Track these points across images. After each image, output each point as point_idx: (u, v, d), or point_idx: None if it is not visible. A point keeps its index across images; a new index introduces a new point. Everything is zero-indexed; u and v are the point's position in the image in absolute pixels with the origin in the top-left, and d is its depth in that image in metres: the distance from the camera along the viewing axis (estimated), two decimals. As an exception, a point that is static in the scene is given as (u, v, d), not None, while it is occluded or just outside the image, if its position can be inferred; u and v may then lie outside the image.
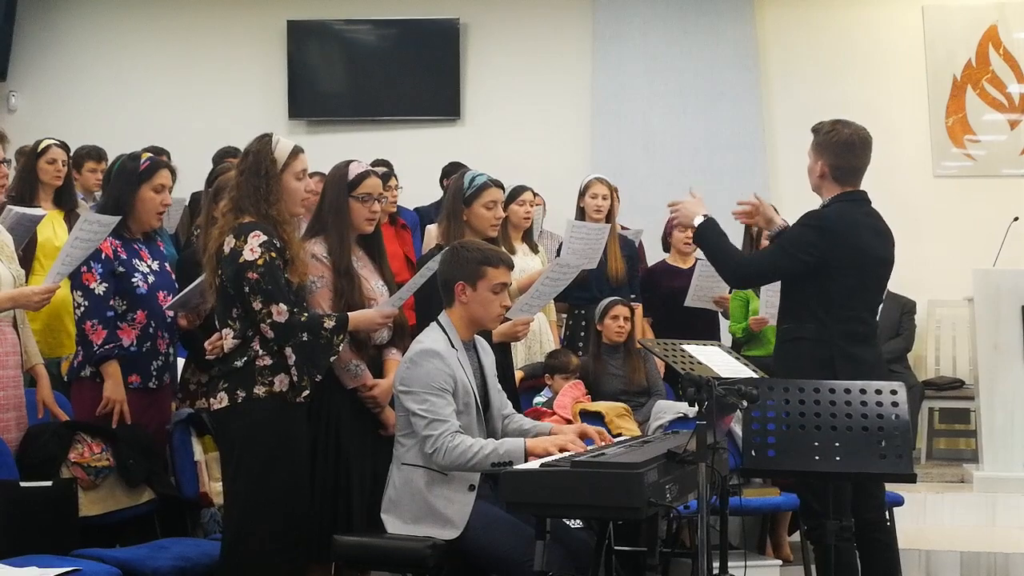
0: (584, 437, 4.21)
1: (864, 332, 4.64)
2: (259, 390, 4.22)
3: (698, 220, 4.78)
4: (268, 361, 4.24)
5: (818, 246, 4.54)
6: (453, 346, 4.21)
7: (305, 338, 4.22)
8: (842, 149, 4.65)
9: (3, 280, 4.50)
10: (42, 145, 6.00)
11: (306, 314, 4.27)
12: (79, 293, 4.68)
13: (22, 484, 4.38)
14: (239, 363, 4.24)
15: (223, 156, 6.72)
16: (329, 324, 4.25)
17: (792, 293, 4.72)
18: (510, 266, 4.38)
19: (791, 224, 4.75)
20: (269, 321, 4.19)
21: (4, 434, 4.48)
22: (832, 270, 4.55)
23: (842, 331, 4.56)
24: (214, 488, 4.84)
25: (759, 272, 4.88)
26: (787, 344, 4.68)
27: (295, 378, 4.23)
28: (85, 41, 10.34)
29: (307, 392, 4.26)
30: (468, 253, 4.27)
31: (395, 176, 7.39)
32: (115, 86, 10.19)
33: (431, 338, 4.21)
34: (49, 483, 4.45)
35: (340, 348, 4.29)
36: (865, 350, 4.61)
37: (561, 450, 3.97)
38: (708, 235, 4.77)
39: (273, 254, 4.22)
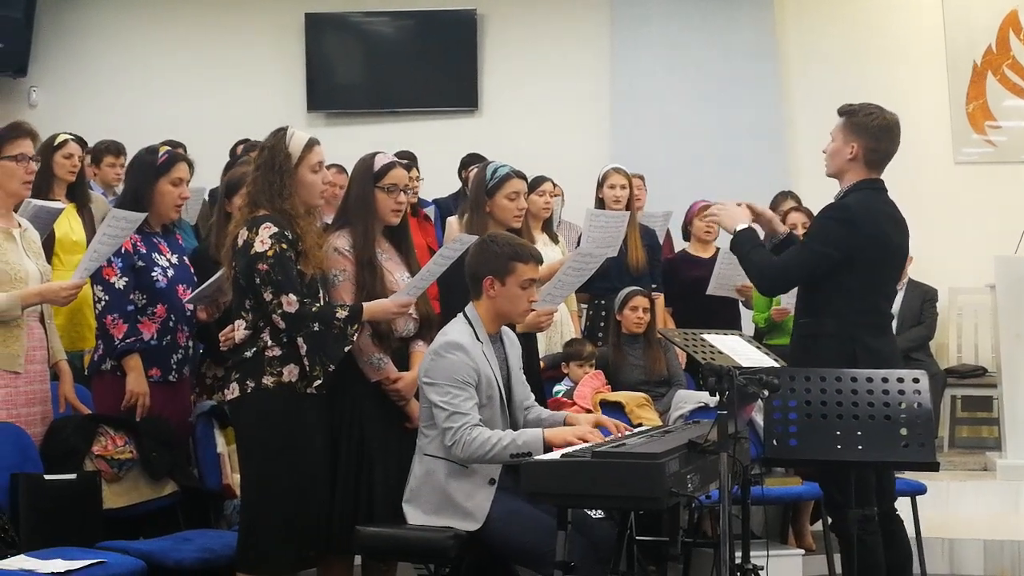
0: (600, 427, 4.21)
1: (883, 324, 4.61)
2: (268, 380, 4.24)
3: (740, 227, 4.75)
4: (277, 352, 4.26)
5: (845, 238, 4.48)
6: (478, 339, 4.21)
7: (316, 328, 4.23)
8: (881, 133, 4.58)
9: (31, 275, 4.52)
10: (58, 139, 6.01)
11: (318, 304, 4.28)
12: (99, 288, 4.71)
13: (46, 477, 4.42)
14: (249, 354, 4.28)
15: (247, 150, 6.72)
16: (342, 314, 4.27)
17: (810, 288, 4.64)
18: (539, 261, 4.37)
19: (815, 217, 4.67)
20: (280, 311, 4.21)
21: (30, 428, 4.51)
22: (855, 262, 4.49)
23: (862, 324, 4.51)
24: (236, 480, 4.85)
25: (789, 274, 4.70)
26: (807, 340, 4.61)
27: (307, 368, 4.24)
28: (104, 36, 10.37)
29: (320, 382, 4.26)
30: (498, 248, 4.26)
31: (417, 167, 7.40)
32: (134, 81, 10.22)
33: (456, 330, 4.21)
34: (73, 476, 4.48)
35: (355, 338, 4.29)
36: (885, 342, 4.58)
37: (579, 440, 3.98)
38: (744, 243, 4.70)
39: (284, 245, 4.24)
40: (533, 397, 4.50)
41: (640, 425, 5.25)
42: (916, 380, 4.09)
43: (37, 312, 4.61)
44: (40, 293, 4.48)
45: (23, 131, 4.59)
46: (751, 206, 4.85)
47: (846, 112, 4.64)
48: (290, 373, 4.26)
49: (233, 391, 4.29)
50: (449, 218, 5.69)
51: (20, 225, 4.66)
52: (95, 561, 4.00)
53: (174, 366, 4.85)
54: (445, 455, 4.12)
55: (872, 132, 4.56)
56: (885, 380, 4.09)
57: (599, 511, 4.12)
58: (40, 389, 4.60)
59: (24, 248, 4.59)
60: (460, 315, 4.28)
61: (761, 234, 4.85)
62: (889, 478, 4.64)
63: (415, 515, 4.17)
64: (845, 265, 4.49)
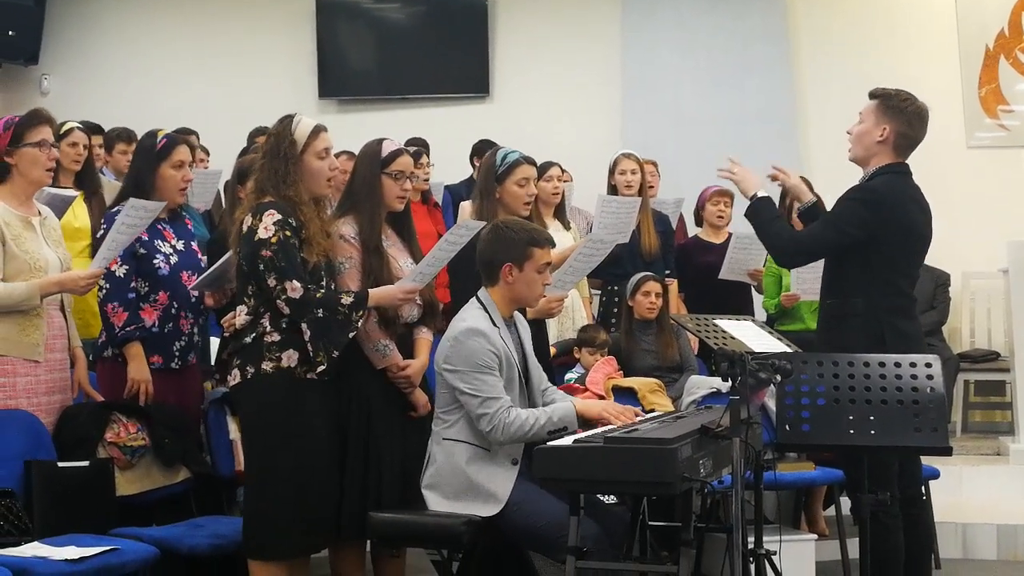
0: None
1: (908, 305, 4.62)
2: (267, 366, 4.25)
3: (761, 193, 4.73)
4: (276, 337, 4.27)
5: (869, 221, 4.48)
6: (494, 323, 4.21)
7: (321, 314, 4.23)
8: (915, 119, 4.60)
9: (51, 264, 4.53)
10: (64, 128, 6.01)
11: (322, 291, 4.28)
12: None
13: (60, 464, 4.43)
14: (248, 339, 4.29)
15: (257, 135, 6.72)
16: (347, 300, 4.27)
17: (836, 268, 4.65)
18: (553, 245, 4.39)
19: (841, 197, 4.66)
20: (284, 297, 4.22)
21: (50, 416, 4.53)
22: (880, 244, 4.50)
23: (890, 305, 4.52)
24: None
25: (809, 249, 4.73)
26: (834, 321, 4.62)
27: (310, 353, 4.24)
28: (116, 24, 10.38)
29: (323, 368, 4.26)
30: (514, 233, 4.26)
31: (428, 154, 7.39)
32: (146, 68, 10.22)
33: (472, 316, 4.21)
34: (86, 463, 4.50)
35: (359, 324, 4.29)
36: (911, 324, 4.59)
37: (610, 414, 4.05)
38: (762, 211, 4.72)
39: (288, 232, 4.24)
40: (547, 379, 4.51)
41: (652, 411, 5.26)
42: (929, 365, 4.08)
43: (57, 300, 4.62)
44: (59, 282, 4.49)
45: (43, 118, 4.60)
46: (779, 171, 4.86)
47: (880, 95, 4.64)
48: (289, 358, 4.26)
49: (235, 377, 4.31)
50: (462, 203, 5.69)
51: (40, 213, 4.66)
52: (108, 548, 4.00)
53: (176, 353, 4.84)
54: (467, 439, 4.13)
55: (906, 116, 4.59)
56: (898, 365, 4.08)
57: (611, 496, 4.13)
58: (60, 377, 4.62)
59: (44, 236, 4.59)
60: (473, 300, 4.28)
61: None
62: (914, 462, 4.64)
63: (436, 500, 4.16)
64: (870, 247, 4.50)
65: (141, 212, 4.49)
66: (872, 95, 4.66)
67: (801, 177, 5.13)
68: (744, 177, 4.79)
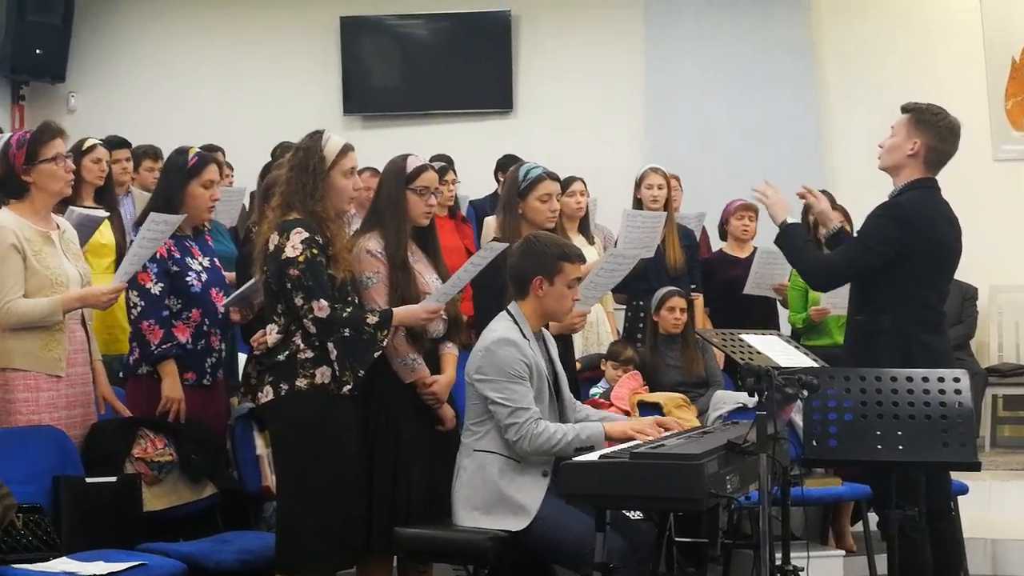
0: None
1: (937, 320, 4.61)
2: (301, 382, 4.25)
3: (789, 220, 4.74)
4: (309, 354, 4.27)
5: (898, 238, 4.49)
6: (525, 336, 4.21)
7: (347, 333, 4.24)
8: (948, 134, 4.60)
9: (71, 278, 4.55)
10: (87, 144, 6.03)
11: (348, 309, 4.29)
12: (135, 293, 4.70)
13: (87, 480, 4.45)
14: (281, 357, 4.29)
15: (283, 152, 6.73)
16: (372, 320, 4.27)
17: (864, 284, 4.64)
18: (583, 260, 4.41)
19: (869, 214, 4.66)
20: (311, 316, 4.23)
21: (71, 430, 4.54)
22: (909, 261, 4.50)
23: (918, 321, 4.52)
24: (275, 481, 4.87)
25: (842, 272, 4.72)
26: (862, 337, 4.61)
27: (337, 372, 4.26)
28: (141, 42, 10.45)
29: (349, 387, 4.27)
30: (545, 248, 4.28)
31: (453, 170, 7.40)
32: (171, 85, 10.29)
33: (503, 327, 4.22)
34: (114, 479, 4.51)
35: (384, 343, 4.29)
36: (939, 339, 4.58)
37: (637, 433, 4.04)
38: (792, 238, 4.73)
39: (315, 251, 4.25)
40: (572, 395, 4.51)
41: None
42: (957, 379, 4.06)
43: (78, 315, 4.64)
44: (81, 298, 4.52)
45: (54, 131, 4.60)
46: (809, 192, 4.86)
47: (912, 109, 4.65)
48: (323, 375, 4.27)
49: (267, 394, 4.31)
50: (486, 218, 5.69)
51: (59, 227, 4.68)
52: (136, 563, 4.03)
53: (208, 369, 4.85)
54: (498, 450, 4.13)
55: (938, 131, 4.59)
56: (925, 380, 4.06)
57: (637, 512, 4.12)
58: (82, 392, 4.63)
59: (63, 250, 4.61)
60: (503, 313, 4.29)
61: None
62: (943, 477, 4.62)
63: (466, 512, 4.16)
64: (899, 263, 4.50)
65: (161, 226, 4.49)
66: (904, 109, 4.67)
67: (823, 191, 5.12)
68: (775, 202, 4.79)
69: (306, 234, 4.26)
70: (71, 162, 4.68)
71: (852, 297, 4.77)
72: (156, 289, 4.70)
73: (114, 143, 6.72)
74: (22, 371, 4.43)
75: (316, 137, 4.42)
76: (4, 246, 4.41)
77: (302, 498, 4.25)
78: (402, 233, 4.49)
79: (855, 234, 5.00)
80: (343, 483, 4.27)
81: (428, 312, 4.39)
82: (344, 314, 4.25)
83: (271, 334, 4.33)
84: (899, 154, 4.62)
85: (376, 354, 4.29)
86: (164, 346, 4.68)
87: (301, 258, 4.23)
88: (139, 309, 4.71)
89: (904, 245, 4.49)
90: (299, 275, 4.23)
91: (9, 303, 4.39)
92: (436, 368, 4.54)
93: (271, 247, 4.29)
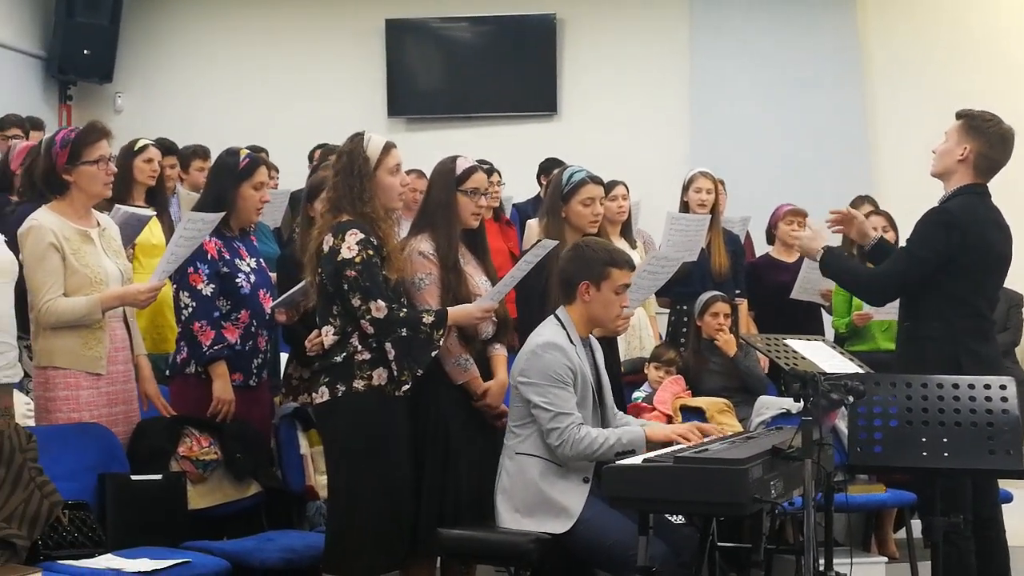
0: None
1: (986, 328, 4.60)
2: (358, 384, 4.28)
3: (823, 247, 4.74)
4: (367, 356, 4.29)
5: (947, 243, 4.48)
6: (571, 341, 4.22)
7: (404, 333, 4.26)
8: (998, 141, 4.59)
9: (111, 276, 4.56)
10: (139, 144, 6.07)
11: (405, 310, 4.30)
12: (186, 294, 4.73)
13: (133, 477, 4.49)
14: (338, 358, 4.31)
15: (324, 155, 6.77)
16: (428, 320, 4.29)
17: (914, 291, 4.62)
18: (632, 267, 4.40)
19: (918, 220, 4.64)
20: (369, 317, 4.24)
21: (113, 427, 4.56)
22: (957, 267, 4.48)
23: (967, 328, 4.50)
24: (319, 481, 4.90)
25: (894, 283, 4.69)
26: (911, 343, 4.61)
27: (395, 372, 4.27)
28: (188, 43, 10.54)
29: (407, 386, 4.29)
30: (593, 253, 4.28)
31: (498, 172, 7.41)
32: (218, 86, 10.37)
33: (550, 331, 4.22)
34: (159, 476, 4.55)
35: (440, 343, 4.31)
36: (988, 346, 4.56)
37: (680, 437, 4.04)
38: (832, 263, 4.74)
39: (371, 251, 4.27)
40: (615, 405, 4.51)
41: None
42: (1003, 387, 4.02)
43: (120, 313, 4.65)
44: (120, 296, 4.53)
45: (100, 132, 4.60)
46: (840, 217, 4.84)
47: (964, 115, 4.65)
48: (379, 377, 4.29)
49: (322, 395, 4.33)
50: (529, 221, 5.70)
51: (99, 224, 4.67)
52: (181, 561, 4.06)
53: (255, 370, 4.89)
54: (540, 453, 4.13)
55: (988, 138, 4.58)
56: (972, 387, 4.03)
57: (679, 516, 4.11)
58: (123, 389, 4.65)
59: (103, 248, 4.61)
60: (551, 317, 4.29)
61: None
62: (990, 484, 4.59)
63: (509, 515, 4.16)
64: (948, 268, 4.48)
65: (199, 224, 4.51)
66: (958, 115, 4.67)
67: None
68: (805, 242, 4.83)
69: (361, 235, 4.28)
70: (114, 165, 4.69)
71: (901, 303, 4.75)
72: (208, 290, 4.73)
73: (162, 148, 6.77)
74: (63, 369, 4.46)
75: (357, 139, 4.44)
76: (43, 245, 4.42)
77: (357, 500, 4.27)
78: (453, 235, 4.51)
79: (903, 241, 4.97)
80: (394, 486, 4.29)
81: (483, 311, 4.41)
82: (401, 314, 4.27)
83: (327, 336, 4.35)
84: (950, 159, 4.62)
85: (433, 353, 4.31)
86: (216, 347, 4.71)
87: (358, 259, 4.25)
88: (191, 310, 4.73)
89: (952, 250, 4.47)
90: (356, 276, 4.25)
91: (49, 302, 4.41)
92: (484, 369, 4.54)
93: (325, 248, 4.30)
